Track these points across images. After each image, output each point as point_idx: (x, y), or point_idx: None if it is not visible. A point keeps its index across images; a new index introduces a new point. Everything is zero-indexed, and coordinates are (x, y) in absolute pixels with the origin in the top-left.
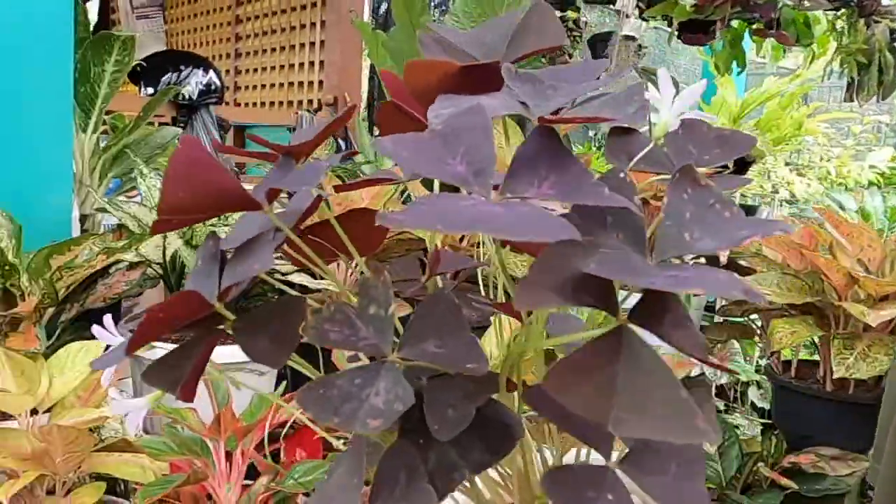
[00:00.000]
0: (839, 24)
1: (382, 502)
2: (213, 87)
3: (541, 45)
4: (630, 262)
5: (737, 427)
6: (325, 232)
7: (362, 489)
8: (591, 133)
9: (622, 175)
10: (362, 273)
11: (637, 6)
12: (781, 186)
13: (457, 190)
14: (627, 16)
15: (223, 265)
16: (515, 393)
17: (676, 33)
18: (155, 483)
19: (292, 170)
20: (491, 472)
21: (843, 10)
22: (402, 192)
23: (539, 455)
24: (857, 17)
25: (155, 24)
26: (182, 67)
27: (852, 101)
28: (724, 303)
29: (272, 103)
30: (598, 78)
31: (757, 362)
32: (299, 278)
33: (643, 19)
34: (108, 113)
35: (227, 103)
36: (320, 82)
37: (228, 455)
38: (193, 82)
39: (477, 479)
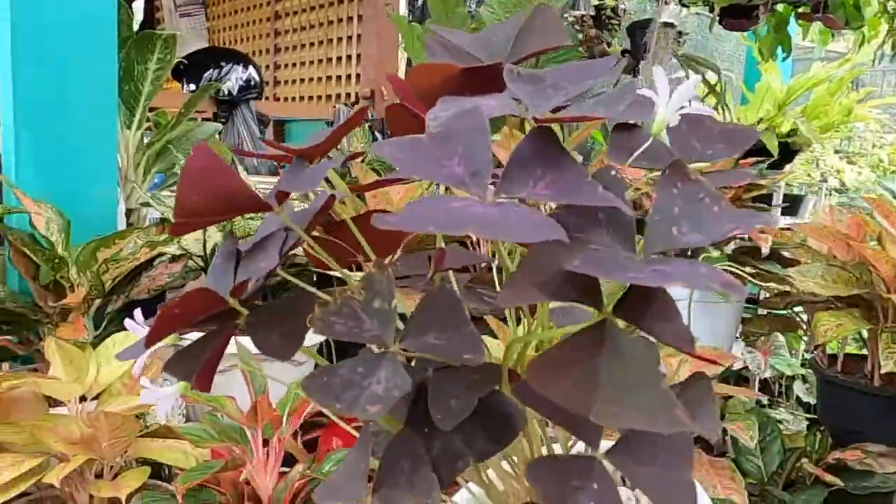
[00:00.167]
0: (891, 5)
1: (387, 489)
2: (252, 82)
3: (543, 45)
4: (614, 258)
5: (780, 422)
6: (343, 232)
7: (367, 477)
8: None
9: (613, 173)
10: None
11: None
12: (830, 175)
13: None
14: (667, 2)
15: (238, 263)
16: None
17: (718, 19)
18: (195, 468)
19: (304, 171)
20: (504, 464)
21: None
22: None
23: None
24: None
25: (197, 21)
26: (223, 64)
27: None
28: (766, 295)
29: (310, 97)
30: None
31: (803, 356)
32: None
33: (683, 5)
34: (151, 110)
35: (266, 98)
36: (357, 76)
37: (266, 443)
38: (234, 78)
39: (490, 470)
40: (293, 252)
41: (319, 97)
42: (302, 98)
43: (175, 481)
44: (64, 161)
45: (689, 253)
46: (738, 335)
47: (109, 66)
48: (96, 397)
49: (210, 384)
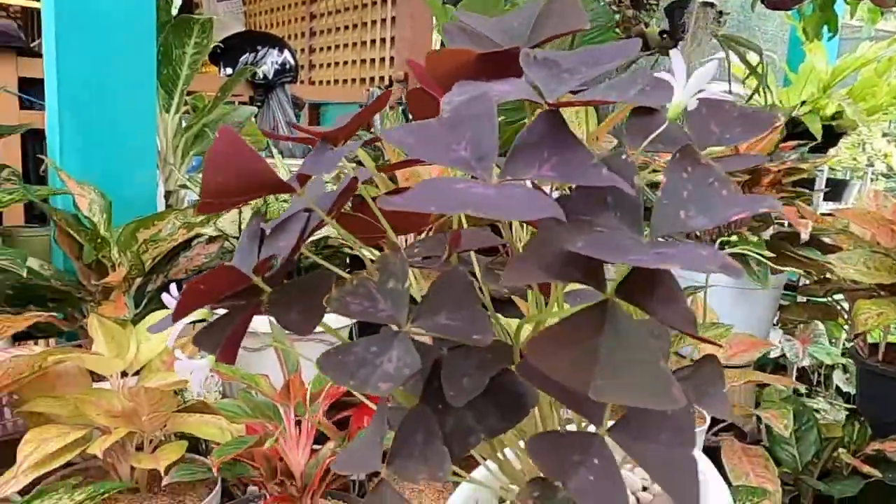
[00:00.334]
0: None
1: (401, 460)
2: (287, 66)
3: (562, 29)
4: (617, 241)
5: (817, 411)
6: (370, 211)
7: (382, 449)
8: None
9: (624, 157)
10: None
11: None
12: (877, 159)
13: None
14: None
15: (262, 242)
16: None
17: None
18: (230, 443)
19: (326, 153)
20: (521, 443)
21: None
22: None
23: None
24: None
25: (234, 5)
26: (259, 48)
27: None
28: (805, 282)
29: (345, 81)
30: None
31: (843, 345)
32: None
33: None
34: (189, 93)
35: (301, 82)
36: (391, 59)
37: (299, 421)
38: (269, 62)
39: (507, 450)
40: (326, 234)
41: (354, 80)
42: (336, 81)
43: (211, 455)
44: (106, 144)
45: (727, 238)
46: (775, 323)
47: (149, 50)
48: (137, 373)
49: (234, 358)
